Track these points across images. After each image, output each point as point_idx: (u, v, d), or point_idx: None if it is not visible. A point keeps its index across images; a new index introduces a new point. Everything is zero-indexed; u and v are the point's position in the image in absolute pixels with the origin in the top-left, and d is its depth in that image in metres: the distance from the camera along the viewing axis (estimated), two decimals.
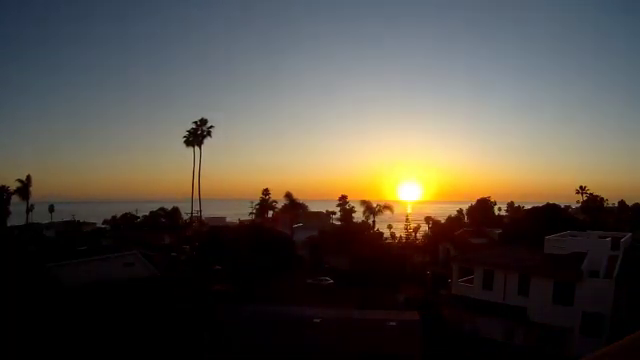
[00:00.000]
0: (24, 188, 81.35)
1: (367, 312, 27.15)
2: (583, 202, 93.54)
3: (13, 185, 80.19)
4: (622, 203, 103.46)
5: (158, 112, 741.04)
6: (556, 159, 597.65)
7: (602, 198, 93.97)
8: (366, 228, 74.38)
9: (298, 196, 70.49)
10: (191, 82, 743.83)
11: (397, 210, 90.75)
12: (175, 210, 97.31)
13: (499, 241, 53.28)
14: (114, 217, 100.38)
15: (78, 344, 18.79)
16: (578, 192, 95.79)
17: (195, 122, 69.27)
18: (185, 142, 69.47)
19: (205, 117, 69.75)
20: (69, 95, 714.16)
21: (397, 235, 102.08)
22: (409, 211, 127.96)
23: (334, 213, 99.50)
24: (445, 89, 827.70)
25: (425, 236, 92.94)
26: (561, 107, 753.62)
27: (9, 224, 79.89)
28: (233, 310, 25.59)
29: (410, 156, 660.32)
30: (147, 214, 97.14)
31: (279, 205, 77.90)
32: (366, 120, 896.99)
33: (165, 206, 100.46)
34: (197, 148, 69.14)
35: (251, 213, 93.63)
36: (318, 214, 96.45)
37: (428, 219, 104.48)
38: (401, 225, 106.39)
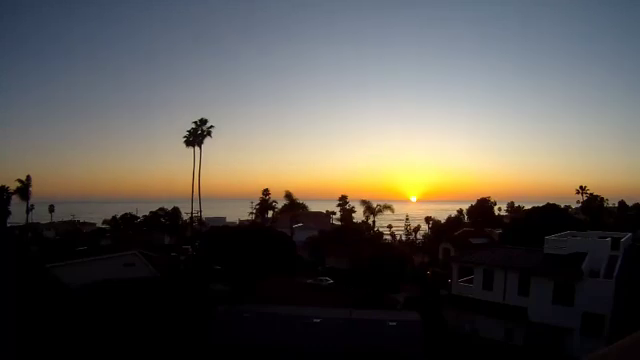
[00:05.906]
0: (24, 188, 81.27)
1: (367, 312, 27.10)
2: (583, 202, 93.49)
3: (13, 185, 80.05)
4: (622, 203, 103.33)
5: (158, 112, 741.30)
6: (556, 159, 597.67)
7: (602, 198, 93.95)
8: (366, 228, 74.46)
9: (298, 196, 70.66)
10: (191, 82, 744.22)
11: (397, 210, 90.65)
12: (175, 210, 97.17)
13: (499, 241, 53.28)
14: (114, 217, 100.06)
15: (79, 344, 18.79)
16: (578, 192, 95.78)
17: (195, 122, 69.18)
18: (185, 142, 69.34)
19: (205, 117, 69.82)
20: (69, 95, 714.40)
21: (397, 235, 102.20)
22: (409, 211, 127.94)
23: (334, 213, 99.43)
24: (446, 90, 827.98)
25: (425, 236, 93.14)
26: (562, 107, 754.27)
27: (9, 224, 79.63)
28: (233, 310, 25.56)
29: (410, 156, 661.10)
30: (147, 214, 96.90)
31: (279, 205, 77.86)
32: (367, 120, 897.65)
33: (165, 206, 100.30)
34: (197, 148, 69.16)
35: (251, 213, 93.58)
36: (318, 214, 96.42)
37: (428, 219, 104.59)
38: (401, 225, 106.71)
